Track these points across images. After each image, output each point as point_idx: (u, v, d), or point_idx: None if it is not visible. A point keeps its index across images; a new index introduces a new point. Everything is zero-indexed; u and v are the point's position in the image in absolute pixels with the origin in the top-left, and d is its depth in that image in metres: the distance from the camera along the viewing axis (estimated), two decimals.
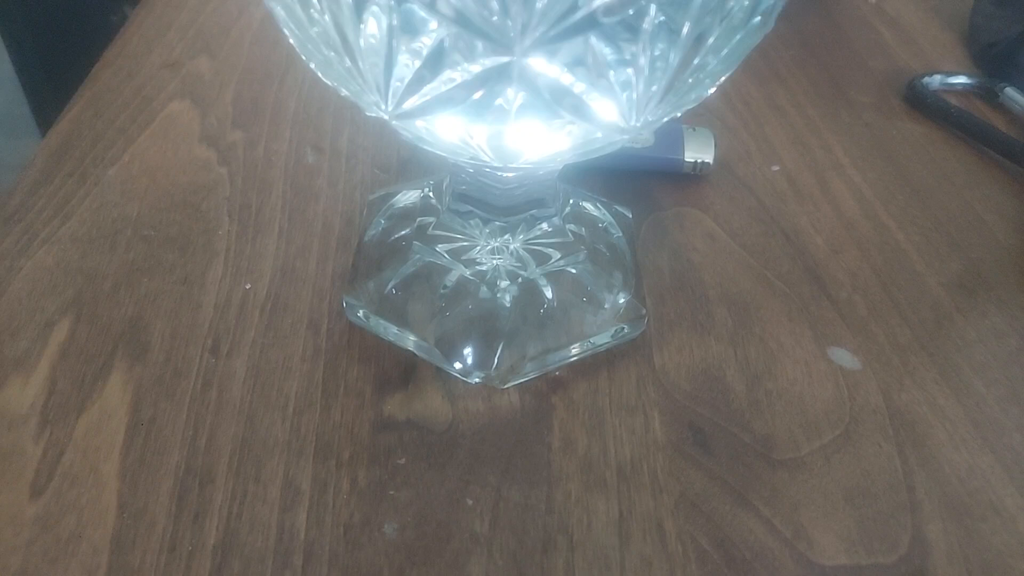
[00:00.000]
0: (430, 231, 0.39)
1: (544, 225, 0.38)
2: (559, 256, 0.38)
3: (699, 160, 0.48)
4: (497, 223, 0.38)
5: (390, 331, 0.37)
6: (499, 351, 0.36)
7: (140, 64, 0.53)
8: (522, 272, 0.37)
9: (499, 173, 0.35)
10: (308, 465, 0.33)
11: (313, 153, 0.48)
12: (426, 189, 0.41)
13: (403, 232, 0.40)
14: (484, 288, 0.37)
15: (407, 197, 0.42)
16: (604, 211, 0.42)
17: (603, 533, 0.31)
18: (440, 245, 0.38)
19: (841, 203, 0.47)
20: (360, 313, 0.38)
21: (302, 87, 0.53)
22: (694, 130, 0.48)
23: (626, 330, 0.38)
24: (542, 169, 0.36)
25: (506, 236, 0.38)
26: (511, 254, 0.38)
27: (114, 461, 0.32)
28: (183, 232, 0.42)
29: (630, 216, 0.43)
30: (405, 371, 0.37)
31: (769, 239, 0.45)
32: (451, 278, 0.38)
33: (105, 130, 0.48)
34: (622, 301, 0.39)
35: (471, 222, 0.38)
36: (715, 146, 0.48)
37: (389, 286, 0.38)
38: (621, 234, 0.42)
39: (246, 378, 0.36)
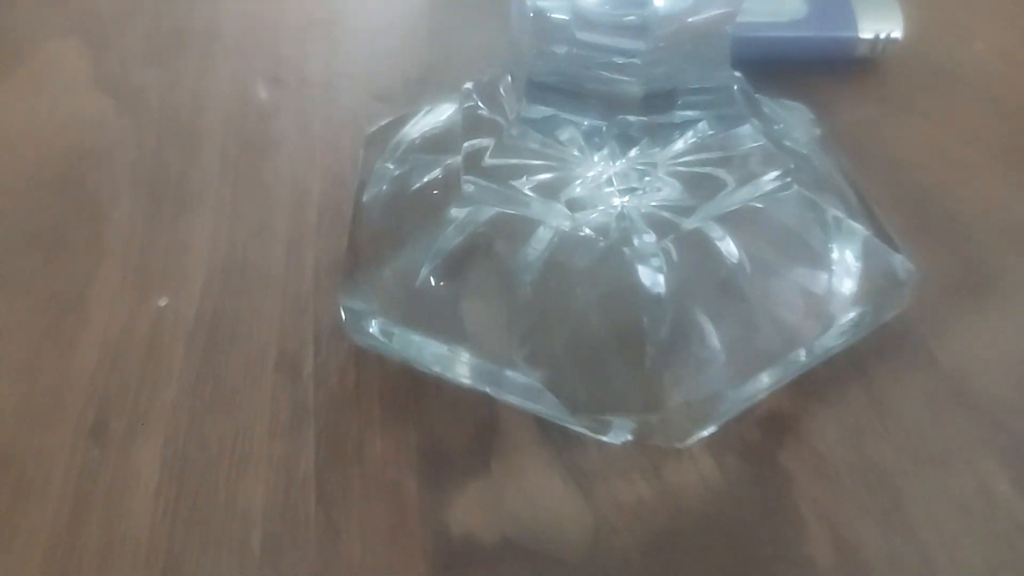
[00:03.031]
0: (486, 160, 0.20)
1: (696, 131, 0.20)
2: (735, 182, 0.20)
3: (881, 35, 0.30)
4: (616, 131, 0.20)
5: (431, 353, 0.20)
6: (661, 378, 0.19)
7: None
8: (678, 218, 0.19)
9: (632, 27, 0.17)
10: None
11: (268, 86, 0.30)
12: (469, 95, 0.23)
13: (433, 175, 0.22)
14: (609, 252, 0.19)
15: (431, 118, 0.24)
16: (774, 107, 0.24)
17: None
18: (514, 180, 0.20)
19: None
20: (372, 327, 0.20)
21: (247, 2, 0.35)
22: None
23: (877, 307, 0.20)
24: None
25: (633, 152, 0.20)
26: (647, 185, 0.20)
27: None
28: (56, 221, 0.24)
29: (812, 116, 0.25)
30: (477, 433, 0.19)
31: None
32: (541, 241, 0.20)
33: None
34: (856, 256, 0.21)
35: (564, 135, 0.20)
36: (902, 15, 0.30)
37: (422, 272, 0.20)
38: (814, 143, 0.24)
39: (160, 489, 0.18)
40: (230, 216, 0.24)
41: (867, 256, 0.20)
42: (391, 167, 0.24)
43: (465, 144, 0.21)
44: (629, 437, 0.19)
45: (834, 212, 0.20)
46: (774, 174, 0.20)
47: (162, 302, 0.22)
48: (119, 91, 0.29)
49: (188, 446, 0.18)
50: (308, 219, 0.24)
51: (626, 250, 0.19)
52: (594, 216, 0.20)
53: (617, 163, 0.20)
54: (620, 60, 0.19)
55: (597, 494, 0.17)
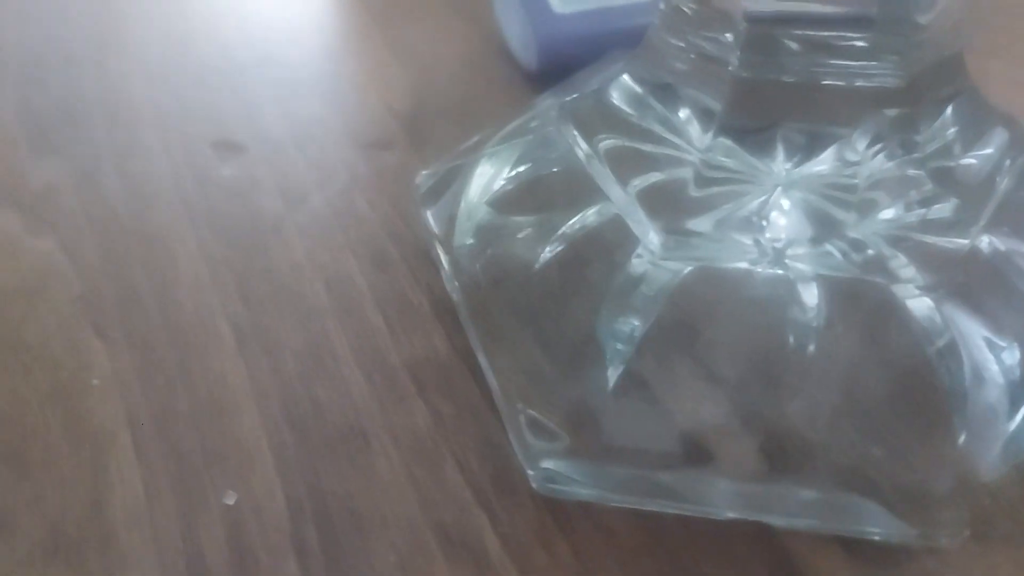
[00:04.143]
0: (688, 196, 0.15)
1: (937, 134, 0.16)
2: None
3: None
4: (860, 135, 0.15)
5: (661, 487, 0.14)
6: (977, 443, 0.14)
7: None
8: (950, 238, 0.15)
9: None
10: None
11: (222, 156, 0.22)
12: (566, 118, 0.17)
13: (556, 247, 0.16)
14: (862, 291, 0.14)
15: (496, 164, 0.18)
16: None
17: None
18: (709, 222, 0.15)
19: None
20: (572, 475, 0.14)
21: (149, 48, 0.27)
22: None
23: None
24: None
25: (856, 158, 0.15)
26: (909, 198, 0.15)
27: None
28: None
29: None
30: None
31: None
32: (763, 298, 0.15)
33: None
34: None
35: (770, 144, 0.15)
36: None
37: (611, 378, 0.15)
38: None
39: None
40: (266, 351, 0.17)
41: None
42: (471, 243, 0.18)
43: (633, 186, 0.15)
44: (966, 533, 0.14)
45: None
46: None
47: (229, 500, 0.15)
48: (20, 201, 0.21)
49: None
50: (373, 323, 0.18)
51: (892, 286, 0.14)
52: (823, 248, 0.15)
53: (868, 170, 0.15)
54: (860, 42, 0.14)
55: None
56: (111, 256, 0.19)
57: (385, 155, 0.22)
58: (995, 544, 0.14)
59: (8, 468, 0.15)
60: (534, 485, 0.14)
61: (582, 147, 0.16)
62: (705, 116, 0.15)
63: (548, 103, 0.20)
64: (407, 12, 0.28)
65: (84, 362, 0.17)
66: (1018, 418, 0.15)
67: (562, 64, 0.23)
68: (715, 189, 0.15)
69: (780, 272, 0.14)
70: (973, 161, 0.16)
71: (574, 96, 0.18)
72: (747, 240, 0.14)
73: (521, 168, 0.18)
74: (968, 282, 0.15)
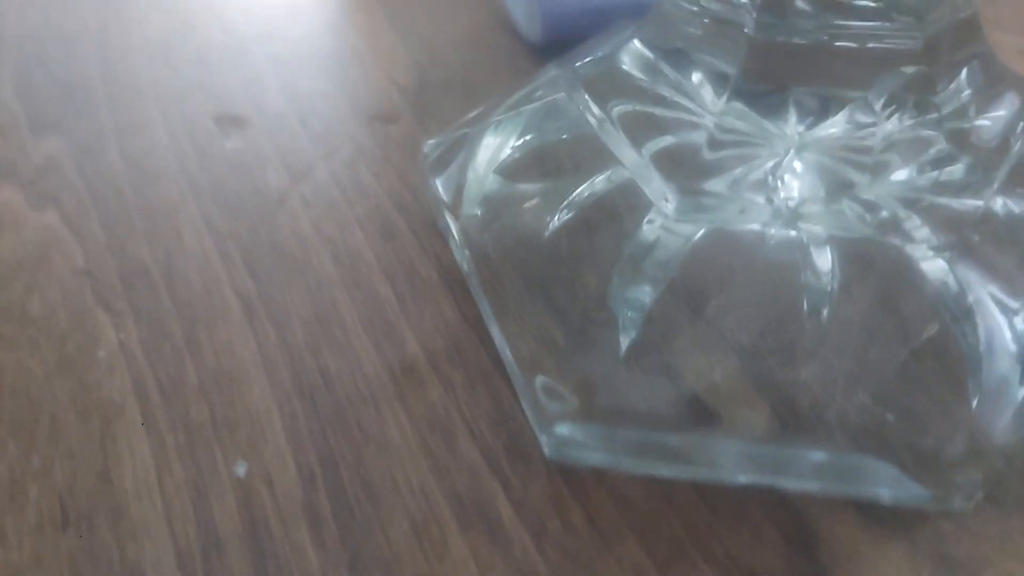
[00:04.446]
0: (702, 159, 0.15)
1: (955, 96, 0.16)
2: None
3: None
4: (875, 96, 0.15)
5: (673, 450, 0.14)
6: (989, 404, 0.14)
7: None
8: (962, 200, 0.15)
9: None
10: None
11: (226, 130, 0.22)
12: (573, 84, 0.17)
13: (566, 213, 0.16)
14: (876, 250, 0.14)
15: (502, 134, 0.18)
16: None
17: None
18: (722, 183, 0.15)
19: None
20: (582, 438, 0.14)
21: (149, 24, 0.26)
22: None
23: None
24: None
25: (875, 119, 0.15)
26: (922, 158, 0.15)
27: None
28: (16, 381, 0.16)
29: None
30: (790, 547, 0.13)
31: None
32: (778, 258, 0.15)
33: None
34: None
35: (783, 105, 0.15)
36: None
37: (622, 342, 0.15)
38: None
39: None
40: (275, 322, 0.17)
41: None
42: (480, 212, 0.18)
43: (647, 149, 0.15)
44: (980, 495, 0.14)
45: None
46: None
47: (240, 470, 0.15)
48: (21, 176, 0.21)
49: None
50: (381, 294, 0.18)
51: (906, 247, 0.14)
52: (837, 208, 0.15)
53: (883, 129, 0.15)
54: (875, 2, 0.14)
55: None
56: (115, 229, 0.19)
57: (390, 127, 0.22)
58: (1009, 508, 0.14)
59: (16, 441, 0.15)
60: (547, 451, 0.14)
61: (595, 112, 0.16)
62: (718, 80, 0.15)
63: (554, 72, 0.20)
64: None
65: (90, 334, 0.17)
66: None
67: (566, 36, 0.23)
68: (729, 152, 0.15)
69: (793, 234, 0.14)
70: (987, 123, 0.16)
71: (585, 61, 0.17)
72: (760, 199, 0.14)
73: (528, 136, 0.18)
74: (982, 243, 0.15)
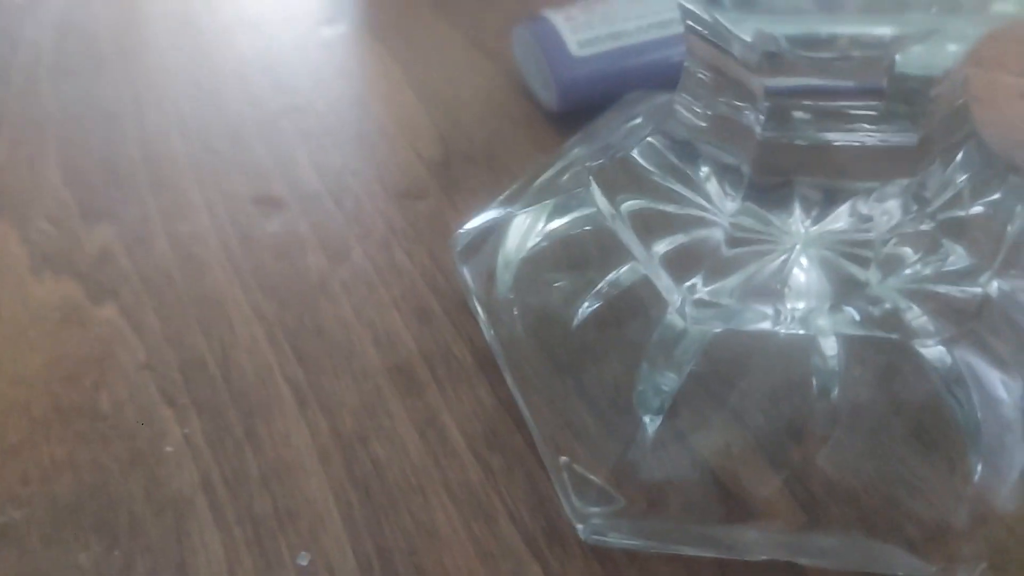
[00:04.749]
0: (716, 262, 0.16)
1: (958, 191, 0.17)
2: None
3: None
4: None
5: (700, 536, 0.15)
6: (993, 478, 0.15)
7: None
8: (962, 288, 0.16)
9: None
10: None
11: (265, 211, 0.24)
12: (602, 177, 0.18)
13: (592, 303, 0.18)
14: (882, 346, 0.16)
15: (530, 221, 0.20)
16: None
17: None
18: (738, 285, 0.16)
19: None
20: (622, 528, 0.16)
21: (182, 102, 0.28)
22: None
23: None
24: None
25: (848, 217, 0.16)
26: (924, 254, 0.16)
27: None
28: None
29: None
30: None
31: None
32: (792, 355, 0.16)
33: None
34: None
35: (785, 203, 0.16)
36: None
37: (649, 434, 0.16)
38: None
39: None
40: (326, 410, 0.19)
41: None
42: (510, 297, 0.19)
43: (657, 249, 0.16)
44: (983, 567, 0.15)
45: None
46: None
47: (303, 561, 0.16)
48: (79, 268, 0.23)
49: None
50: (421, 379, 0.19)
51: (913, 345, 0.15)
52: (841, 317, 0.16)
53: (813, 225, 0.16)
54: (873, 111, 0.15)
55: None
56: (170, 321, 0.21)
57: (419, 204, 0.23)
58: (1012, 574, 0.15)
59: (99, 537, 0.17)
60: (583, 537, 0.16)
61: (606, 210, 0.18)
62: (725, 172, 0.16)
63: (575, 153, 0.21)
64: (429, 52, 0.29)
65: (157, 429, 0.19)
66: None
67: (582, 103, 0.24)
68: (741, 249, 0.16)
69: (801, 332, 0.15)
70: (982, 209, 0.17)
71: (599, 162, 0.19)
72: (768, 310, 0.15)
73: (554, 225, 0.19)
74: (978, 325, 0.16)
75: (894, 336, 0.15)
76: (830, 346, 0.16)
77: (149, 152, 0.26)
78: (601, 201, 0.18)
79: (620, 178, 0.18)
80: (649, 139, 0.18)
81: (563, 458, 0.16)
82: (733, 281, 0.16)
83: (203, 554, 0.16)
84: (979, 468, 0.15)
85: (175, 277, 0.22)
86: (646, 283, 0.17)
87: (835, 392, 0.16)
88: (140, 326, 0.21)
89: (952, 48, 0.14)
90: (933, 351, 0.16)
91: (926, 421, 0.16)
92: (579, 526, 0.16)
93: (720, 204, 0.16)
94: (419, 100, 0.27)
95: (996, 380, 0.16)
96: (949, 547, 0.15)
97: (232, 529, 0.17)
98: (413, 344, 0.20)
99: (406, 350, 0.20)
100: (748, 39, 0.14)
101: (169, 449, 0.18)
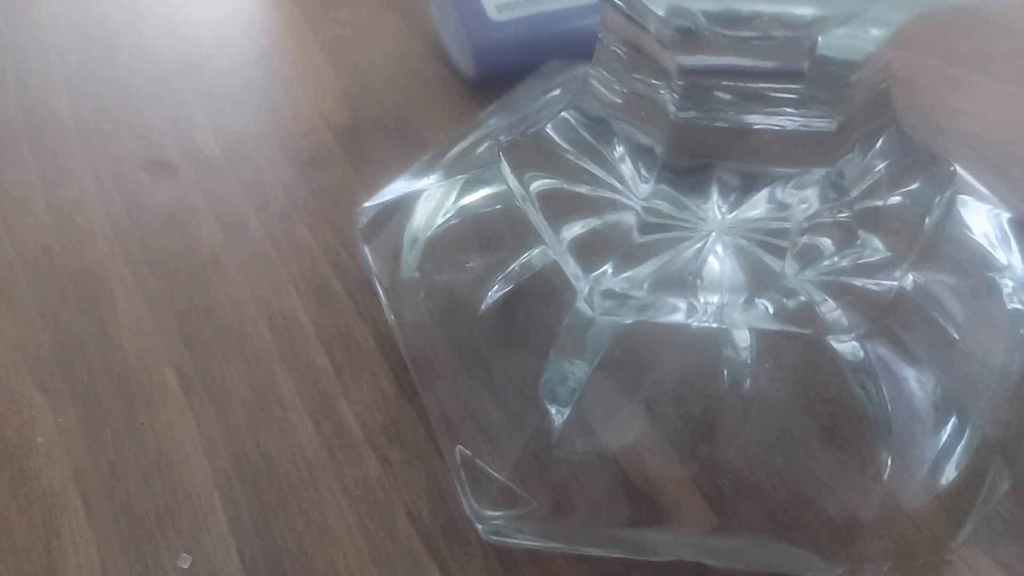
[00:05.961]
0: (625, 251, 0.15)
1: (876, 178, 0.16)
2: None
3: None
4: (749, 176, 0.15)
5: (606, 536, 0.15)
6: (902, 475, 0.15)
7: None
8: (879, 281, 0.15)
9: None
10: None
11: (155, 177, 0.22)
12: (513, 152, 0.17)
13: (502, 287, 0.17)
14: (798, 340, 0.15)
15: (438, 199, 0.19)
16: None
17: None
18: (650, 273, 0.15)
19: None
20: (517, 523, 0.15)
21: (70, 54, 0.26)
22: None
23: None
24: None
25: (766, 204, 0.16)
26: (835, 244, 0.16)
27: None
28: None
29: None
30: None
31: None
32: (698, 349, 0.15)
33: None
34: None
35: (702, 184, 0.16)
36: None
37: (556, 428, 0.15)
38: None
39: None
40: (206, 389, 0.17)
41: None
42: (416, 277, 0.18)
43: (566, 235, 0.15)
44: (887, 568, 0.15)
45: None
46: None
47: (184, 564, 0.15)
48: None
49: None
50: (318, 364, 0.18)
51: (828, 340, 0.15)
52: (755, 311, 0.15)
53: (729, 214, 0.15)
54: (792, 94, 0.14)
55: None
56: (45, 297, 0.19)
57: (323, 174, 0.22)
58: (916, 571, 0.15)
59: None
60: (482, 535, 0.15)
61: (516, 189, 0.17)
62: (639, 152, 0.16)
63: (491, 124, 0.20)
64: (341, 10, 0.27)
65: (27, 418, 0.17)
66: (940, 445, 0.15)
67: (500, 70, 0.23)
68: (655, 236, 0.15)
69: (715, 325, 0.15)
70: (900, 199, 0.16)
71: (510, 137, 0.17)
72: (681, 303, 0.14)
73: (465, 201, 0.18)
74: (892, 319, 0.15)
75: (808, 331, 0.15)
76: (743, 337, 0.15)
77: (30, 109, 0.24)
78: (511, 179, 0.17)
79: (532, 155, 0.17)
80: (564, 114, 0.17)
81: (462, 451, 0.15)
82: (645, 270, 0.15)
83: (74, 556, 0.15)
84: (889, 464, 0.15)
85: (53, 248, 0.20)
86: (558, 267, 0.16)
87: (747, 385, 0.15)
88: (11, 301, 0.19)
89: (875, 32, 0.13)
90: (846, 345, 0.15)
91: (837, 416, 0.15)
92: (479, 526, 0.15)
93: (634, 186, 0.16)
94: (329, 62, 0.25)
95: (908, 375, 0.15)
96: (856, 547, 0.15)
97: (107, 528, 0.15)
98: (311, 327, 0.19)
99: (303, 333, 0.18)
100: (662, 13, 0.13)
101: (40, 439, 0.17)
